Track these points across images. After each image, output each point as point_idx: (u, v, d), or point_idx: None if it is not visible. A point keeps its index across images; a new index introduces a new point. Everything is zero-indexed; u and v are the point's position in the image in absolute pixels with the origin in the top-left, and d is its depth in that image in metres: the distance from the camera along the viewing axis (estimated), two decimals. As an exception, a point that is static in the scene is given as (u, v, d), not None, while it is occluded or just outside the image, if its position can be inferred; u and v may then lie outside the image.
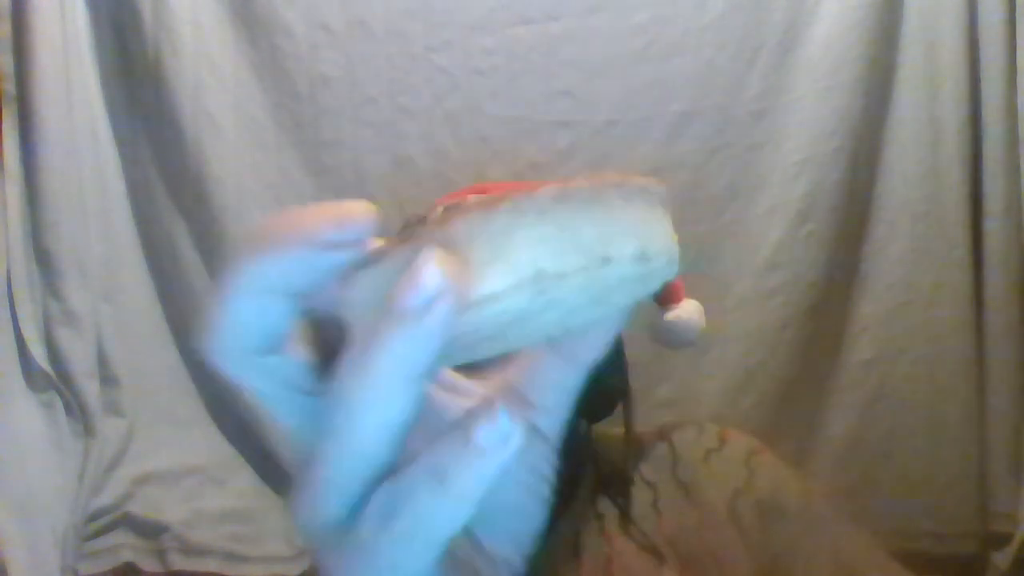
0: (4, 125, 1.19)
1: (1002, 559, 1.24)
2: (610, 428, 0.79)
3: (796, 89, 1.29)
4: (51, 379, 1.21)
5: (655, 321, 0.87)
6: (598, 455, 0.77)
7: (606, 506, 0.73)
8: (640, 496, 0.73)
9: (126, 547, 1.24)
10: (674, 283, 0.88)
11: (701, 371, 1.31)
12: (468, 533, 0.29)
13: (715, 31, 1.28)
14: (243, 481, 1.34)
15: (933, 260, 1.28)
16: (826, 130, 1.27)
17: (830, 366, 1.31)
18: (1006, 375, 1.25)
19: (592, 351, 0.30)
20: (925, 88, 1.27)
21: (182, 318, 1.36)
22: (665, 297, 0.88)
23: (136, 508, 1.26)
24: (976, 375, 1.27)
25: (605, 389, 0.78)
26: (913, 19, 1.27)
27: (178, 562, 1.24)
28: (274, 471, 1.33)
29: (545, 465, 0.30)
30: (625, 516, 0.72)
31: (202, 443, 1.35)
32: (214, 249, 1.32)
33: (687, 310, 0.87)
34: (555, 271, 0.24)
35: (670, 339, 0.87)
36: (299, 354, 0.27)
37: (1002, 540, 1.25)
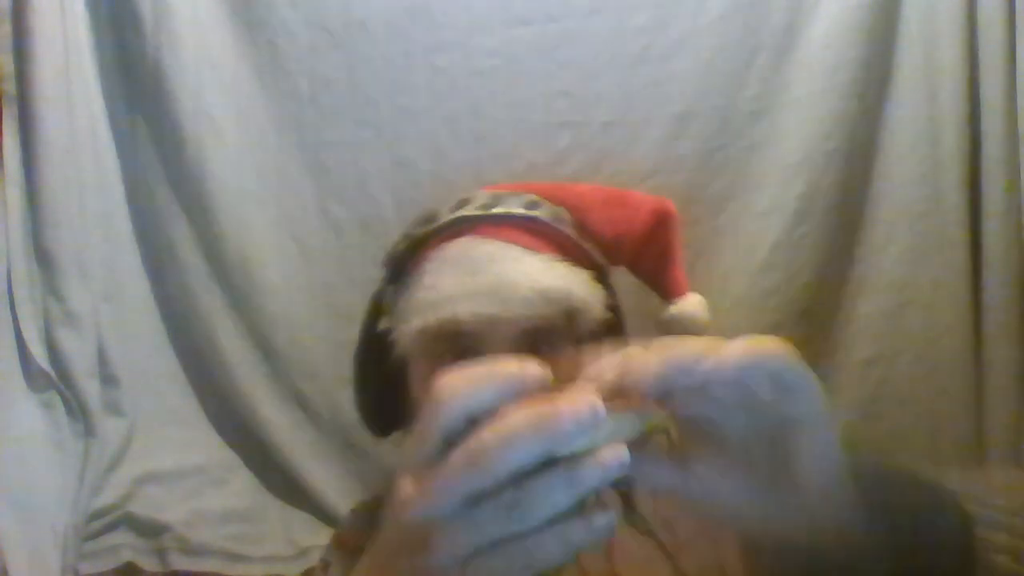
0: (4, 125, 1.20)
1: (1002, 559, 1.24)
2: None
3: (794, 90, 1.29)
4: (51, 379, 1.21)
5: (659, 315, 0.86)
6: None
7: (607, 492, 0.74)
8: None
9: (126, 547, 1.24)
10: (677, 277, 0.86)
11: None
12: None
13: (714, 32, 1.28)
14: (243, 481, 1.34)
15: (932, 261, 1.27)
16: (824, 130, 1.27)
17: (829, 366, 1.31)
18: (1005, 375, 1.25)
19: None
20: (923, 88, 1.27)
21: (182, 318, 1.36)
22: (668, 291, 0.86)
23: (136, 508, 1.26)
24: (975, 375, 1.26)
25: None
26: (911, 20, 1.26)
27: (178, 562, 1.24)
28: (274, 471, 1.34)
29: None
30: (628, 501, 0.73)
31: (202, 443, 1.35)
32: (214, 249, 1.33)
33: (691, 303, 0.86)
34: None
35: (674, 334, 0.86)
36: None
37: (1002, 540, 1.25)
